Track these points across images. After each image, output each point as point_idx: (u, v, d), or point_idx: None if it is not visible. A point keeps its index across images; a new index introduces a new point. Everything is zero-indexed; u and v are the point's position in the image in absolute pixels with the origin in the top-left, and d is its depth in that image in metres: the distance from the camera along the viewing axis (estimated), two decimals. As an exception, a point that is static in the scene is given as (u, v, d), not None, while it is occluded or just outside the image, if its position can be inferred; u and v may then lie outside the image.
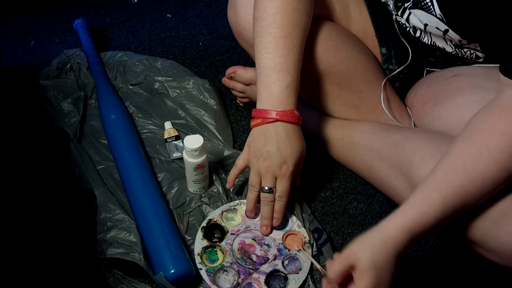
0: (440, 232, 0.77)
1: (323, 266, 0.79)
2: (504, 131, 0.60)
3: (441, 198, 0.62)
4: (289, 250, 0.80)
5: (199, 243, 0.80)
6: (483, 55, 0.81)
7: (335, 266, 0.62)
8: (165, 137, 0.99)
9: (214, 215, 0.84)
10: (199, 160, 0.83)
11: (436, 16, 0.76)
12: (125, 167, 0.90)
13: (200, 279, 0.77)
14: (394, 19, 0.86)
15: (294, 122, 0.74)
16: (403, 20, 0.85)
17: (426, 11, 0.78)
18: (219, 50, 1.27)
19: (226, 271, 0.77)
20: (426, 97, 0.87)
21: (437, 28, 0.78)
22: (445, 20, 0.76)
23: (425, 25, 0.80)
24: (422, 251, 0.84)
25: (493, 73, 0.79)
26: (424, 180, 0.64)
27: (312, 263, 0.78)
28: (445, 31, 0.78)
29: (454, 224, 0.68)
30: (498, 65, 0.79)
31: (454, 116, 0.80)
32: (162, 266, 0.74)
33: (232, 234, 0.82)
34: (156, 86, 1.08)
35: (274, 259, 0.79)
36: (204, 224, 0.83)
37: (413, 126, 0.90)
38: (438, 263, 0.83)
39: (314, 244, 0.80)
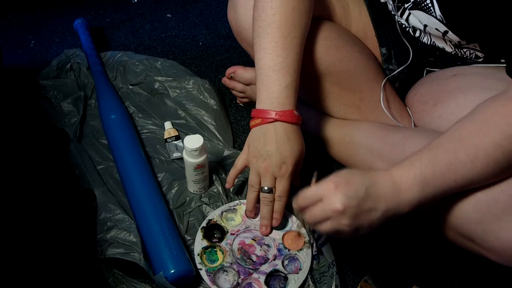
0: (431, 217, 0.77)
1: (323, 266, 0.79)
2: (506, 115, 0.60)
3: (430, 155, 0.63)
4: (289, 250, 0.80)
5: (199, 243, 0.80)
6: (483, 55, 0.81)
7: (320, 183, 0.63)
8: (165, 137, 0.99)
9: (214, 215, 0.84)
10: (199, 160, 0.83)
11: (436, 17, 0.76)
12: (125, 167, 0.90)
13: (200, 279, 0.77)
14: (396, 20, 0.86)
15: (294, 122, 0.74)
16: (402, 20, 0.85)
17: (426, 12, 0.78)
18: (219, 50, 1.27)
19: (226, 271, 0.77)
20: (426, 96, 0.87)
21: (436, 29, 0.78)
22: (445, 22, 0.76)
23: (425, 26, 0.80)
24: (421, 251, 0.84)
25: (493, 72, 0.79)
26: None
27: (312, 258, 0.78)
28: (445, 33, 0.78)
29: (455, 219, 0.68)
30: (498, 65, 0.79)
31: (454, 115, 0.80)
32: (162, 266, 0.74)
33: (232, 234, 0.82)
34: (156, 86, 1.08)
35: (274, 259, 0.79)
36: (204, 224, 0.83)
37: (413, 126, 0.89)
38: (438, 263, 0.84)
39: (314, 244, 0.80)
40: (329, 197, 0.61)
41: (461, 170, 0.62)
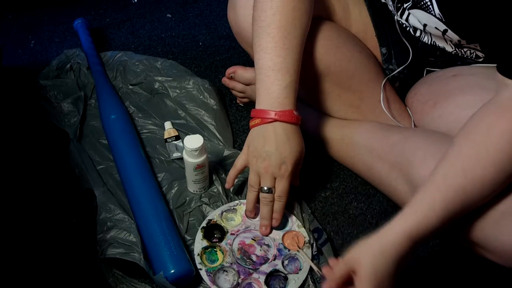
0: (440, 233, 0.77)
1: (323, 266, 0.79)
2: (503, 131, 0.60)
3: (442, 201, 0.61)
4: (289, 250, 0.80)
5: (199, 243, 0.80)
6: (483, 55, 0.81)
7: (336, 270, 0.61)
8: (165, 137, 0.99)
9: (214, 215, 0.84)
10: (199, 160, 0.83)
11: (435, 16, 0.76)
12: (125, 167, 0.90)
13: (200, 279, 0.77)
14: (395, 19, 0.86)
15: (293, 122, 0.74)
16: (403, 20, 0.85)
17: (426, 11, 0.78)
18: (219, 50, 1.27)
19: (226, 271, 0.77)
20: (426, 97, 0.87)
21: (436, 28, 0.78)
22: (444, 20, 0.76)
23: (424, 25, 0.80)
24: (422, 251, 0.84)
25: (493, 72, 0.79)
26: (423, 184, 0.64)
27: (311, 258, 0.78)
28: (444, 31, 0.78)
29: (455, 225, 0.68)
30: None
31: (454, 115, 0.80)
32: (162, 266, 0.74)
33: (232, 234, 0.82)
34: (156, 86, 1.08)
35: (274, 259, 0.79)
36: (204, 224, 0.83)
37: (413, 126, 0.89)
38: (438, 263, 0.83)
39: (314, 244, 0.80)
40: None
41: (471, 205, 0.63)
